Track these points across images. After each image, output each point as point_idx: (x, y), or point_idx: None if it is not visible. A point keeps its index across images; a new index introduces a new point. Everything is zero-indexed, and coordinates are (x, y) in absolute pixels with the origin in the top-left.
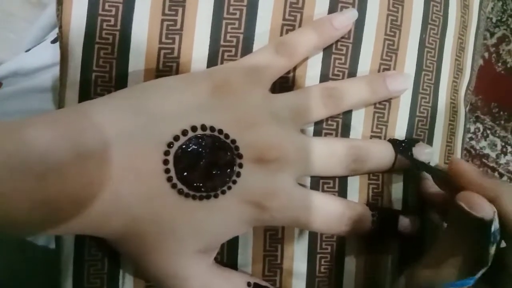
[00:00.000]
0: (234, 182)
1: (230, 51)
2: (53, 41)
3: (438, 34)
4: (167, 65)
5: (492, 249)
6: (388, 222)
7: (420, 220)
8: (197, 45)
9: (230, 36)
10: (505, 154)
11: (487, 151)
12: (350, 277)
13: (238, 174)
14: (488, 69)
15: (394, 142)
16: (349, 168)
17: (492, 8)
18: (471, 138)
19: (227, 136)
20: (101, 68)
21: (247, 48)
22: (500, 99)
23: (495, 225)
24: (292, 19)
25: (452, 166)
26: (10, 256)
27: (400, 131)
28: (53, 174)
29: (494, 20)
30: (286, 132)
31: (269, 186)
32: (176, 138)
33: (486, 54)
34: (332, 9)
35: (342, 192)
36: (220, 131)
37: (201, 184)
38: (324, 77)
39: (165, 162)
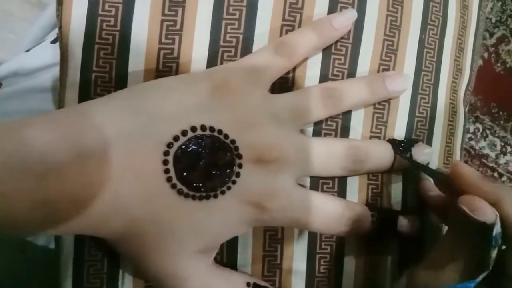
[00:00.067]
0: (234, 182)
1: (230, 51)
2: (53, 41)
3: (437, 35)
4: (167, 66)
5: (494, 253)
6: (388, 222)
7: (420, 220)
8: (196, 46)
9: (230, 37)
10: (505, 154)
11: (486, 151)
12: (350, 277)
13: (238, 175)
14: (488, 69)
15: (394, 143)
16: (348, 169)
17: (492, 9)
18: (470, 138)
19: (226, 136)
20: (101, 68)
21: (247, 49)
22: (500, 99)
23: (497, 229)
24: (291, 19)
25: (453, 169)
26: (10, 256)
27: (399, 132)
28: (53, 174)
29: (493, 20)
30: (286, 133)
31: (268, 187)
32: (176, 138)
33: (486, 54)
34: (331, 10)
35: (342, 193)
36: (220, 132)
37: (200, 184)
38: (323, 78)
39: (165, 162)
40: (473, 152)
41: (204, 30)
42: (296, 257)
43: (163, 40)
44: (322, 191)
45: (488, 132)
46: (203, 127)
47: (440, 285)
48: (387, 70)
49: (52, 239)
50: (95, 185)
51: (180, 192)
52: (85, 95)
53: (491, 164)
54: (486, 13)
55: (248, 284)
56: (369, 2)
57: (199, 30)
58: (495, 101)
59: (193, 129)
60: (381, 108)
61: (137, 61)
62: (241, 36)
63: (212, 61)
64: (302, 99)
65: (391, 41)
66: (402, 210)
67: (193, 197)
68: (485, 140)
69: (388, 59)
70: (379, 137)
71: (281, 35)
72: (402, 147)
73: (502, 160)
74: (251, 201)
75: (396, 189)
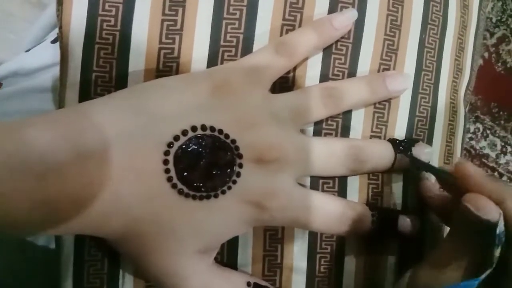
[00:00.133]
0: (234, 182)
1: (230, 51)
2: (53, 41)
3: (437, 34)
4: (167, 65)
5: (497, 251)
6: (388, 222)
7: (420, 220)
8: (197, 45)
9: (230, 36)
10: (505, 154)
11: (487, 151)
12: (350, 277)
13: (238, 174)
14: (488, 69)
15: (394, 142)
16: (348, 168)
17: (492, 8)
18: (471, 138)
19: (227, 136)
20: (101, 68)
21: (247, 48)
22: (500, 99)
23: (500, 227)
24: (292, 19)
25: (457, 168)
26: (10, 256)
27: (399, 131)
28: (53, 174)
29: (494, 20)
30: (286, 132)
31: (268, 186)
32: (176, 138)
33: (486, 54)
34: (332, 9)
35: (342, 192)
36: (220, 131)
37: (201, 184)
38: (324, 77)
39: (165, 162)
40: (473, 152)
41: (204, 30)
42: (297, 257)
43: (164, 40)
44: (323, 190)
45: (488, 132)
46: (203, 127)
47: (444, 283)
48: (388, 69)
49: (52, 239)
50: (95, 185)
51: (180, 192)
52: (85, 95)
53: (491, 164)
54: (487, 12)
55: (248, 283)
56: (369, 1)
57: (200, 30)
58: (495, 101)
59: (194, 128)
60: (381, 107)
61: (137, 61)
62: (241, 36)
63: (212, 60)
64: (302, 99)
65: (391, 41)
66: (403, 209)
67: (194, 197)
68: (485, 140)
69: (388, 58)
70: (379, 137)
71: (281, 34)
72: (402, 147)
73: (502, 160)
74: (251, 201)
75: (397, 189)
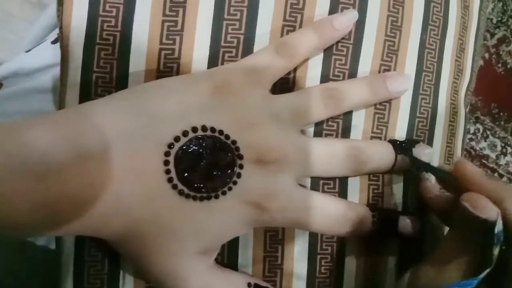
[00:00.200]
0: (235, 183)
1: (231, 52)
2: (54, 42)
3: (438, 35)
4: (167, 66)
5: (496, 250)
6: (388, 223)
7: (420, 221)
8: (197, 46)
9: (231, 37)
10: (505, 155)
11: (487, 152)
12: (351, 278)
13: (239, 175)
14: (488, 70)
15: (395, 143)
16: (349, 169)
17: (493, 9)
18: (471, 139)
19: (227, 137)
20: (101, 69)
21: (248, 49)
22: (500, 100)
23: (499, 226)
24: (292, 20)
25: (456, 167)
26: (10, 256)
27: (400, 132)
28: (53, 175)
29: (494, 21)
30: (286, 133)
31: (269, 187)
32: (177, 139)
33: (486, 55)
34: (332, 10)
35: (343, 193)
36: (221, 132)
37: (201, 185)
38: (324, 78)
39: (166, 163)
40: (473, 152)
41: (205, 31)
42: (297, 258)
43: (164, 40)
44: (323, 191)
45: (488, 132)
46: (204, 128)
47: (443, 283)
48: (388, 70)
49: (53, 239)
50: (95, 186)
51: (181, 192)
52: (85, 95)
53: (491, 165)
54: (487, 13)
55: (249, 284)
56: (370, 2)
57: (200, 31)
58: (495, 102)
59: (194, 129)
60: (382, 108)
61: (138, 62)
62: (242, 37)
63: (213, 61)
64: (302, 100)
65: (392, 42)
66: (403, 210)
67: (194, 198)
68: (485, 141)
69: (389, 59)
70: (380, 138)
71: (282, 35)
72: (403, 148)
73: (502, 161)
74: (252, 202)
75: (397, 190)
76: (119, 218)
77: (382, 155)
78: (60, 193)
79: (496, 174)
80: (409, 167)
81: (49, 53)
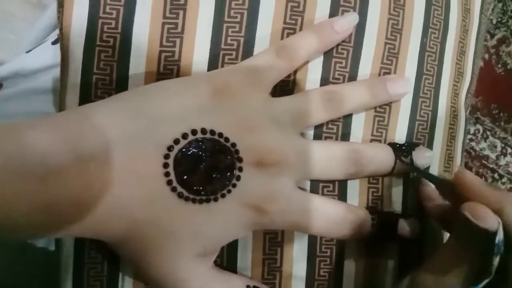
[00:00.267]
0: (234, 185)
1: (231, 54)
2: (54, 42)
3: (439, 38)
4: (167, 68)
5: (496, 260)
6: (388, 225)
7: (420, 224)
8: (198, 48)
9: (231, 40)
10: (505, 155)
11: (487, 152)
12: (350, 281)
13: (238, 178)
14: (488, 71)
15: (394, 146)
16: (349, 172)
17: (492, 10)
18: (471, 140)
19: (227, 139)
20: (101, 70)
21: (248, 52)
22: (500, 101)
23: (500, 236)
24: (293, 22)
25: (457, 177)
26: (10, 257)
27: (400, 135)
28: (53, 176)
29: (494, 21)
30: (286, 136)
31: (268, 190)
32: (176, 141)
33: (486, 56)
34: (333, 13)
35: (342, 196)
36: (220, 135)
37: (201, 188)
38: (324, 81)
39: (165, 165)
40: (473, 153)
41: (205, 33)
42: (296, 260)
43: (164, 42)
44: (323, 194)
45: (488, 133)
46: (203, 130)
47: None
48: (388, 73)
49: (52, 241)
50: (95, 188)
51: (180, 195)
52: (85, 97)
53: (491, 166)
54: (488, 15)
55: (248, 287)
56: (370, 5)
57: (200, 33)
58: (495, 102)
59: (194, 132)
60: (382, 111)
61: (138, 64)
62: (242, 39)
63: (213, 64)
64: (302, 102)
65: (392, 45)
66: (403, 213)
67: (193, 200)
68: (485, 141)
69: (389, 62)
70: (380, 141)
71: (282, 38)
72: (403, 151)
73: (502, 162)
74: (251, 204)
75: (397, 193)
76: (119, 220)
77: (381, 158)
78: (60, 194)
79: (496, 175)
80: (409, 170)
81: (50, 54)
